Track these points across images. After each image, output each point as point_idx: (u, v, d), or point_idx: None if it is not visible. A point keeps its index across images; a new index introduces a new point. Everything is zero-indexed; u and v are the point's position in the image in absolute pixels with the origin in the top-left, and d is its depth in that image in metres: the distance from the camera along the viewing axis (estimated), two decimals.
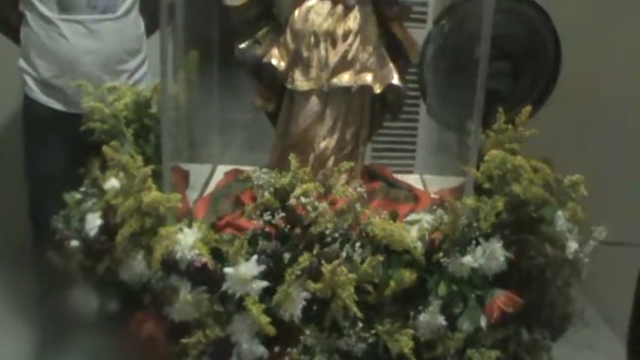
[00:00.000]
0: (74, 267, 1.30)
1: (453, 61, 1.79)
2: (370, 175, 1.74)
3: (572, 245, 1.43)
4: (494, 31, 1.46)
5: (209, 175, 1.85)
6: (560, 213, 1.40)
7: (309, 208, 1.29)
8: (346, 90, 1.57)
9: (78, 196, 1.39)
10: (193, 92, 1.74)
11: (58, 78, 2.18)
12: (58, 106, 2.19)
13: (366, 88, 1.58)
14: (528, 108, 1.59)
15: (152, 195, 1.24)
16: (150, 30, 2.31)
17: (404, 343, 1.27)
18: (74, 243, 1.32)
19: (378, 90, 1.58)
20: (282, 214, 1.29)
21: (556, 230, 1.39)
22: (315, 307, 1.27)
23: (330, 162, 1.61)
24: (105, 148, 1.32)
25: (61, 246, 1.33)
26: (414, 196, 1.66)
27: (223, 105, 1.90)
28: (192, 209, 1.59)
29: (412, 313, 1.31)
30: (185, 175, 1.77)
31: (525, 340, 1.35)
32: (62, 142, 2.16)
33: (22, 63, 2.22)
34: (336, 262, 1.23)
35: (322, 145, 1.60)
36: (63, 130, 2.10)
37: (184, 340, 1.26)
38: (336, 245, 1.28)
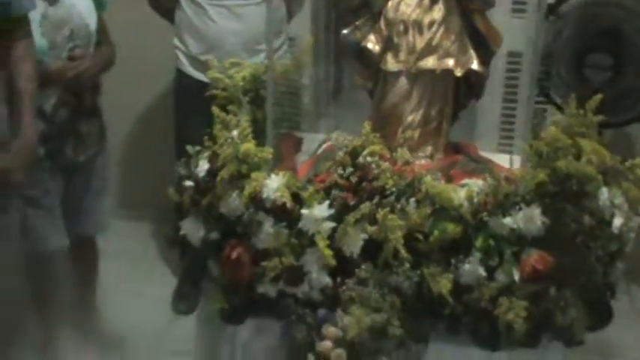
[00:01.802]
0: (187, 201, 1.77)
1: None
2: (455, 149, 2.08)
3: (618, 220, 1.72)
4: (602, 23, 1.75)
5: (321, 143, 2.27)
6: (604, 189, 1.69)
7: (373, 166, 1.68)
8: (431, 72, 1.93)
9: (197, 148, 1.86)
10: (315, 68, 2.15)
11: (205, 54, 2.69)
12: (204, 78, 2.69)
13: (448, 72, 1.94)
14: (599, 96, 1.86)
15: (246, 146, 1.68)
16: (291, 14, 2.77)
17: (443, 284, 1.63)
18: (188, 183, 1.79)
19: (458, 73, 1.93)
20: (352, 170, 1.69)
21: (599, 205, 1.69)
22: (371, 247, 1.66)
23: (416, 135, 1.99)
24: (214, 108, 1.78)
25: (179, 185, 1.81)
26: (489, 170, 1.99)
27: (340, 80, 2.30)
28: (297, 168, 2.01)
29: (455, 262, 1.66)
30: (297, 141, 2.19)
31: (553, 296, 1.66)
32: (207, 110, 2.67)
33: (175, 41, 2.76)
34: (387, 210, 1.62)
35: (409, 119, 1.98)
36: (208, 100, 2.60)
37: (264, 264, 1.69)
38: (392, 198, 1.66)
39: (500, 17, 2.05)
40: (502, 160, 2.14)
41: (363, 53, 2.01)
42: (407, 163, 1.71)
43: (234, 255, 1.71)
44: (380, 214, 1.62)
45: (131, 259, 3.64)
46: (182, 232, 1.80)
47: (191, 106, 2.76)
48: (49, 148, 2.56)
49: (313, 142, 2.20)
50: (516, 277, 1.65)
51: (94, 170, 2.78)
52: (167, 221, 2.85)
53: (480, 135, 2.24)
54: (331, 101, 2.26)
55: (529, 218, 1.65)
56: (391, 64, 1.95)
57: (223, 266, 1.74)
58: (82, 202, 2.81)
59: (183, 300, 3.10)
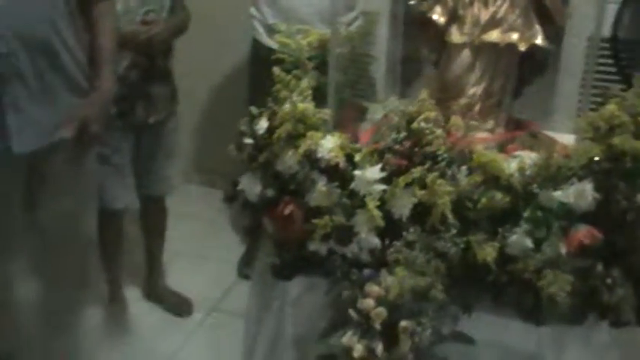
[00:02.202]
0: (246, 157, 1.86)
1: None
2: (517, 126, 2.11)
3: None
4: None
5: (385, 113, 2.33)
6: None
7: (427, 132, 1.73)
8: (494, 45, 1.96)
9: (259, 108, 1.94)
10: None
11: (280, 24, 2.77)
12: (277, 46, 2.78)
13: (512, 46, 1.96)
14: None
15: (305, 106, 1.76)
16: None
17: (488, 252, 1.67)
18: (248, 140, 1.88)
19: (522, 48, 1.96)
20: (406, 135, 1.75)
21: None
22: (419, 211, 1.71)
23: (477, 107, 2.02)
24: (275, 69, 1.86)
25: (240, 142, 1.90)
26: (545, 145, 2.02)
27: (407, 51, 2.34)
28: (359, 135, 2.08)
29: (502, 232, 1.70)
30: (361, 110, 2.25)
31: (600, 273, 1.68)
32: None
33: (252, 10, 2.85)
34: (436, 174, 1.67)
35: (471, 91, 2.01)
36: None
37: (316, 221, 1.76)
38: (444, 164, 1.71)
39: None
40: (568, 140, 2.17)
41: (428, 24, 2.05)
42: (460, 130, 1.75)
43: (287, 211, 1.79)
44: (430, 178, 1.67)
45: (200, 223, 3.78)
46: (240, 188, 1.89)
47: (266, 75, 2.85)
48: (121, 108, 2.69)
49: (377, 111, 2.26)
50: (563, 250, 1.68)
51: (164, 132, 2.91)
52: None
53: (559, 119, 2.26)
54: (397, 72, 2.31)
55: (580, 193, 1.67)
56: (455, 36, 1.99)
57: (276, 222, 1.83)
58: (152, 163, 2.95)
59: (248, 265, 3.23)
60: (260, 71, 3.00)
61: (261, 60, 2.99)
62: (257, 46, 3.04)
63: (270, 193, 1.84)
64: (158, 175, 3.00)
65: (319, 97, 1.92)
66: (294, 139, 1.78)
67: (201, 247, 3.61)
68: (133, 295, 3.25)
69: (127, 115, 2.74)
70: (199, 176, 3.98)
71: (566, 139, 2.16)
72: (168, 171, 3.02)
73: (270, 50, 2.86)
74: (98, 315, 3.12)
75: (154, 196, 3.08)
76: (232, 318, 3.07)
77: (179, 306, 3.21)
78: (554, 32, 1.99)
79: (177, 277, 3.34)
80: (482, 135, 2.00)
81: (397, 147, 1.75)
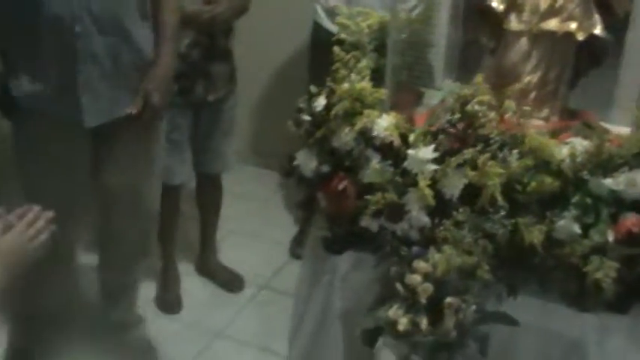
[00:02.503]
0: (303, 133, 1.94)
1: None
2: (572, 116, 2.14)
3: None
4: None
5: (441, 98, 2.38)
6: None
7: (481, 114, 1.78)
8: (552, 34, 2.00)
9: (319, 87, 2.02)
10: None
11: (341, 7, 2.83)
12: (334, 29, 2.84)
13: (570, 35, 2.00)
14: None
15: (362, 85, 1.83)
16: None
17: (535, 235, 1.72)
18: (306, 117, 1.95)
19: (580, 37, 1.99)
20: (460, 117, 1.80)
21: None
22: (470, 192, 1.77)
23: (532, 95, 2.06)
24: (334, 48, 1.93)
25: (298, 119, 1.97)
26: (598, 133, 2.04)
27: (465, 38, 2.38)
28: (414, 118, 2.13)
29: (550, 216, 1.74)
30: (418, 94, 2.31)
31: None
32: None
33: None
34: (487, 156, 1.72)
35: (526, 79, 2.05)
36: None
37: (368, 198, 1.83)
38: (495, 147, 1.76)
39: None
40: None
41: (487, 12, 2.09)
42: (513, 114, 1.80)
43: (341, 187, 1.86)
44: (481, 160, 1.73)
45: (255, 203, 3.87)
46: (296, 163, 1.96)
47: (326, 58, 2.91)
48: (181, 85, 2.80)
49: (433, 97, 2.31)
50: (610, 237, 1.71)
51: (222, 111, 3.00)
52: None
53: (618, 111, 2.28)
54: (455, 59, 2.36)
55: (631, 181, 1.70)
56: (514, 23, 2.03)
57: (330, 197, 1.90)
58: (209, 141, 3.04)
59: (300, 246, 3.31)
60: (320, 54, 3.06)
61: (321, 43, 3.05)
62: (317, 29, 3.11)
63: (325, 168, 1.91)
64: (215, 152, 3.09)
65: (377, 79, 1.98)
66: (350, 116, 1.84)
67: (254, 226, 3.70)
68: (186, 269, 3.35)
69: (187, 92, 2.84)
70: (255, 158, 4.07)
71: (623, 132, 2.19)
72: (225, 149, 3.11)
73: (331, 34, 2.94)
74: (152, 288, 3.23)
75: (210, 174, 3.17)
76: (282, 296, 3.16)
77: (231, 282, 3.31)
78: (615, 23, 2.01)
79: (230, 254, 3.44)
80: (536, 123, 2.04)
81: (451, 128, 1.81)
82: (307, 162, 1.93)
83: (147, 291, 3.17)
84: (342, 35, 2.08)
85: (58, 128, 2.31)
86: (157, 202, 2.79)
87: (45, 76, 2.25)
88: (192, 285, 3.30)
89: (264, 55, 3.84)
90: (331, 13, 2.89)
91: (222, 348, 3.00)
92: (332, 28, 2.96)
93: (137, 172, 2.58)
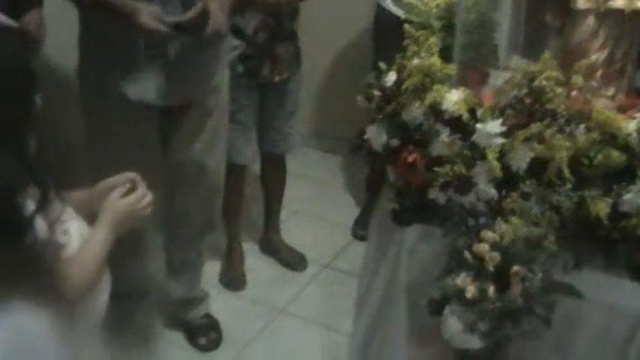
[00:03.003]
0: (373, 107, 2.02)
1: None
2: (639, 94, 2.18)
3: None
4: None
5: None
6: None
7: (548, 89, 1.84)
8: (620, 12, 2.05)
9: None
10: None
11: None
12: (401, 13, 2.90)
13: (637, 13, 2.04)
14: None
15: (432, 60, 1.90)
16: None
17: (601, 207, 1.77)
18: (376, 92, 2.03)
19: None
20: (527, 92, 1.86)
21: None
22: (537, 165, 1.83)
23: (599, 73, 2.11)
24: (405, 25, 2.01)
25: (368, 94, 2.05)
26: None
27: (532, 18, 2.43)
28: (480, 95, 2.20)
29: (616, 189, 1.80)
30: (484, 74, 2.36)
31: None
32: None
33: None
34: (554, 130, 1.78)
35: (593, 57, 2.10)
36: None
37: (437, 169, 1.90)
38: (562, 121, 1.82)
39: None
40: None
41: None
42: (580, 89, 1.85)
43: (410, 159, 1.94)
44: (548, 133, 1.79)
45: (318, 185, 3.96)
46: (366, 137, 2.04)
47: (390, 42, 2.97)
48: (247, 66, 2.90)
49: (499, 78, 2.37)
50: None
51: (287, 92, 3.10)
52: (360, 159, 3.13)
53: None
54: (520, 39, 2.41)
55: None
56: (581, 2, 2.08)
57: (399, 170, 1.98)
58: (274, 122, 3.15)
59: (363, 227, 3.39)
60: (384, 38, 3.15)
61: (385, 27, 3.14)
62: (381, 12, 3.18)
63: (394, 142, 1.99)
64: (280, 133, 3.19)
65: (444, 58, 2.05)
66: (420, 91, 1.92)
67: (317, 207, 3.80)
68: (250, 248, 3.46)
69: (253, 73, 2.94)
70: (318, 141, 4.16)
71: None
72: (290, 130, 3.21)
73: (395, 17, 3.01)
74: (217, 266, 3.35)
75: (274, 154, 3.27)
76: (344, 275, 3.25)
77: (294, 261, 3.41)
78: None
79: (294, 234, 3.54)
80: (602, 101, 2.08)
81: (518, 104, 1.87)
82: (377, 136, 2.01)
83: (212, 268, 3.29)
84: (410, 16, 2.14)
85: (129, 108, 2.43)
86: (223, 177, 2.89)
87: (125, 56, 2.36)
88: (256, 263, 3.41)
89: (328, 38, 3.92)
90: None
91: (284, 325, 3.11)
92: (396, 11, 3.04)
93: (204, 147, 2.70)
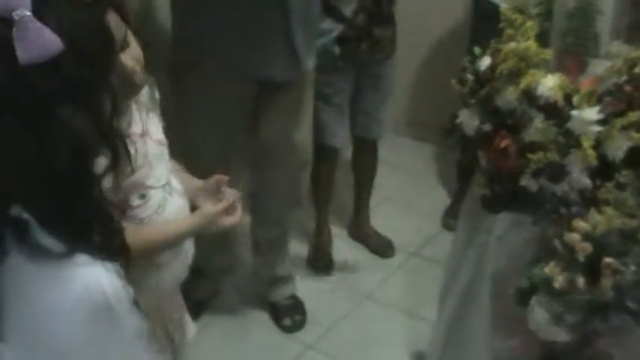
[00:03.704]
0: (466, 90, 1.99)
1: None
2: None
3: None
4: None
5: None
6: None
7: None
8: None
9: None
10: None
11: None
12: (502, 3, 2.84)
13: None
14: None
15: (528, 44, 1.86)
16: None
17: None
18: (470, 76, 2.00)
19: None
20: (627, 79, 1.80)
21: None
22: (634, 155, 1.77)
23: None
24: (503, 7, 1.97)
25: (462, 77, 2.02)
26: None
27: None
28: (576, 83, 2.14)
29: None
30: (582, 63, 2.30)
31: None
32: None
33: None
34: None
35: None
36: None
37: (529, 156, 1.86)
38: None
39: None
40: None
41: None
42: None
43: (502, 145, 1.90)
44: None
45: (409, 173, 3.94)
46: (459, 121, 2.02)
47: (487, 31, 2.93)
48: (345, 48, 2.90)
49: (598, 66, 2.30)
50: None
51: (382, 76, 3.09)
52: (450, 148, 3.10)
53: None
54: (622, 28, 2.33)
55: None
56: None
57: (491, 154, 1.94)
58: (367, 106, 3.14)
59: (453, 217, 3.36)
60: (481, 26, 3.10)
61: (483, 15, 3.09)
62: (479, 1, 3.13)
63: (486, 127, 1.96)
64: (372, 117, 3.18)
65: (540, 43, 2.00)
66: (515, 76, 1.88)
67: (407, 195, 3.77)
68: (338, 232, 3.47)
69: (350, 55, 2.94)
70: (410, 129, 4.13)
71: None
72: (382, 115, 3.20)
73: (492, 5, 2.96)
74: (304, 248, 3.37)
75: (366, 139, 3.27)
76: (431, 264, 3.23)
77: (382, 247, 3.40)
78: None
79: (382, 220, 3.53)
80: None
81: (617, 91, 1.81)
82: (469, 120, 1.98)
83: (300, 251, 3.31)
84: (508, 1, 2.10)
85: (231, 76, 2.49)
86: (309, 153, 2.91)
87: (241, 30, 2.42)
88: (343, 248, 3.42)
89: (422, 26, 3.88)
90: None
91: (369, 310, 3.11)
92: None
93: (292, 124, 2.73)
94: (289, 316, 3.04)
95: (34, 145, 1.00)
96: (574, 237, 1.75)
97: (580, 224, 1.76)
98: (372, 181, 3.42)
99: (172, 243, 1.70)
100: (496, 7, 2.88)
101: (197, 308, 2.97)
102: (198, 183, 1.84)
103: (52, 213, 1.05)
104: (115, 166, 1.10)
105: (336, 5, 2.85)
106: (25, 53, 0.97)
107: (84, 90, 1.04)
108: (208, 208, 1.72)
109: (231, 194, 1.76)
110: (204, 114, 2.59)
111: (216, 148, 2.65)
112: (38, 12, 0.99)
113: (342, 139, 3.16)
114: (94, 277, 1.06)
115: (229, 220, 1.73)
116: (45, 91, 1.00)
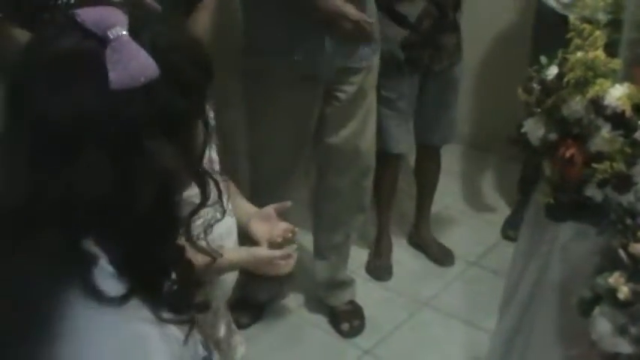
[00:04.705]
0: (532, 99, 1.98)
1: None
2: None
3: None
4: None
5: None
6: None
7: None
8: None
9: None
10: None
11: None
12: (564, 12, 2.81)
13: None
14: None
15: (596, 53, 1.84)
16: None
17: None
18: (536, 85, 2.00)
19: None
20: None
21: None
22: None
23: None
24: (572, 17, 1.96)
25: (528, 86, 2.01)
26: None
27: None
28: None
29: None
30: None
31: None
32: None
33: None
34: None
35: None
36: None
37: (595, 166, 1.85)
38: None
39: None
40: None
41: None
42: None
43: (568, 154, 1.89)
44: None
45: (470, 182, 3.92)
46: (524, 130, 2.01)
47: (550, 40, 2.90)
48: (410, 54, 2.92)
49: None
50: None
51: (446, 83, 3.09)
52: (513, 160, 3.07)
53: None
54: None
55: None
56: None
57: (556, 164, 1.93)
58: (433, 112, 3.14)
59: (513, 227, 3.34)
60: (544, 35, 3.08)
61: (546, 24, 3.08)
62: (542, 8, 3.11)
63: (552, 136, 1.95)
64: (436, 125, 3.18)
65: (608, 53, 1.99)
66: (582, 85, 1.87)
67: (468, 204, 3.76)
68: (398, 239, 3.47)
69: (415, 61, 2.95)
70: (473, 138, 4.11)
71: None
72: (447, 122, 3.19)
73: (555, 13, 2.95)
74: (364, 254, 3.38)
75: (430, 145, 3.27)
76: (491, 274, 3.21)
77: (441, 256, 3.39)
78: None
79: (443, 229, 3.52)
80: None
81: None
82: (535, 129, 1.97)
83: (360, 257, 3.33)
84: (576, 9, 2.09)
85: (298, 79, 2.56)
86: (374, 159, 2.92)
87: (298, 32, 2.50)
88: (403, 255, 3.42)
89: (486, 34, 3.86)
90: None
91: (427, 318, 3.11)
92: (556, 6, 2.98)
93: (358, 129, 2.75)
94: (348, 321, 3.05)
95: (116, 178, 0.90)
96: (639, 248, 1.73)
97: None
98: (434, 188, 3.41)
99: (219, 272, 1.67)
100: (557, 14, 2.88)
101: (257, 310, 3.01)
102: (251, 208, 1.81)
103: (124, 254, 0.94)
104: (203, 205, 1.02)
105: (401, 11, 2.86)
106: (118, 76, 0.88)
107: (176, 122, 0.94)
108: (263, 251, 1.67)
109: (284, 229, 1.71)
110: (272, 119, 2.65)
111: (283, 153, 2.70)
112: (134, 31, 0.91)
113: (404, 146, 3.17)
114: (145, 338, 0.94)
115: (279, 270, 1.67)
116: (134, 120, 0.90)
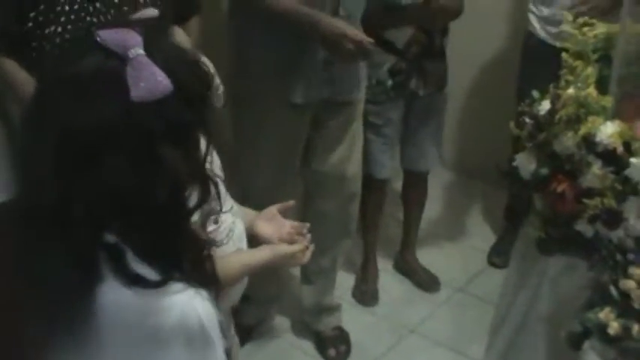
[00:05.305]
0: (526, 135, 2.00)
1: None
2: None
3: None
4: None
5: None
6: None
7: None
8: None
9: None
10: None
11: (554, 17, 2.86)
12: (553, 42, 2.84)
13: None
14: None
15: (588, 91, 1.87)
16: None
17: None
18: (528, 120, 2.02)
19: None
20: None
21: None
22: None
23: None
24: (564, 54, 1.98)
25: (520, 121, 2.04)
26: None
27: None
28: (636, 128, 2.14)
29: None
30: None
31: None
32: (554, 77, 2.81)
33: (530, 4, 2.99)
34: None
35: None
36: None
37: (586, 201, 1.87)
38: None
39: None
40: None
41: None
42: None
43: (559, 189, 1.91)
44: None
45: (456, 208, 3.94)
46: (515, 164, 2.03)
47: (536, 69, 2.94)
48: (396, 80, 2.94)
49: None
50: None
51: (431, 109, 3.12)
52: (499, 186, 3.08)
53: None
54: None
55: None
56: None
57: (548, 198, 1.95)
58: (417, 138, 3.17)
59: (500, 255, 3.36)
60: (531, 64, 3.12)
61: (533, 53, 3.11)
62: (530, 37, 3.15)
63: (544, 171, 1.97)
64: (421, 150, 3.20)
65: (600, 89, 2.01)
66: (574, 122, 1.89)
67: (454, 231, 3.77)
68: (384, 265, 3.48)
69: (401, 87, 2.97)
70: (459, 165, 4.13)
71: None
72: (431, 148, 3.21)
73: (543, 43, 2.99)
74: (350, 279, 3.38)
75: (416, 171, 3.29)
76: (477, 300, 3.22)
77: (427, 282, 3.40)
78: None
79: (429, 255, 3.52)
80: None
81: None
82: (526, 164, 1.99)
83: (346, 283, 3.33)
84: (566, 44, 2.11)
85: (286, 109, 2.57)
86: (360, 185, 2.93)
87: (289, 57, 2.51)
88: (389, 281, 3.42)
89: (472, 62, 3.88)
90: (546, 21, 2.94)
91: (413, 344, 3.11)
92: (545, 37, 3.01)
93: (344, 156, 2.77)
94: (334, 346, 3.05)
95: (135, 179, 1.03)
96: (630, 284, 1.75)
97: (636, 271, 1.76)
98: (421, 214, 3.42)
99: (244, 274, 1.75)
100: (546, 43, 2.92)
101: (244, 334, 2.99)
102: (251, 211, 1.89)
103: (147, 244, 1.08)
104: (204, 201, 1.13)
105: (388, 37, 2.89)
106: (138, 91, 1.00)
107: (184, 131, 1.07)
108: (282, 247, 1.76)
109: (293, 227, 1.82)
110: (260, 146, 2.65)
111: (270, 179, 2.70)
112: (148, 50, 1.02)
113: (389, 171, 3.19)
114: (190, 304, 1.08)
115: (299, 262, 1.79)
116: (150, 129, 1.03)
